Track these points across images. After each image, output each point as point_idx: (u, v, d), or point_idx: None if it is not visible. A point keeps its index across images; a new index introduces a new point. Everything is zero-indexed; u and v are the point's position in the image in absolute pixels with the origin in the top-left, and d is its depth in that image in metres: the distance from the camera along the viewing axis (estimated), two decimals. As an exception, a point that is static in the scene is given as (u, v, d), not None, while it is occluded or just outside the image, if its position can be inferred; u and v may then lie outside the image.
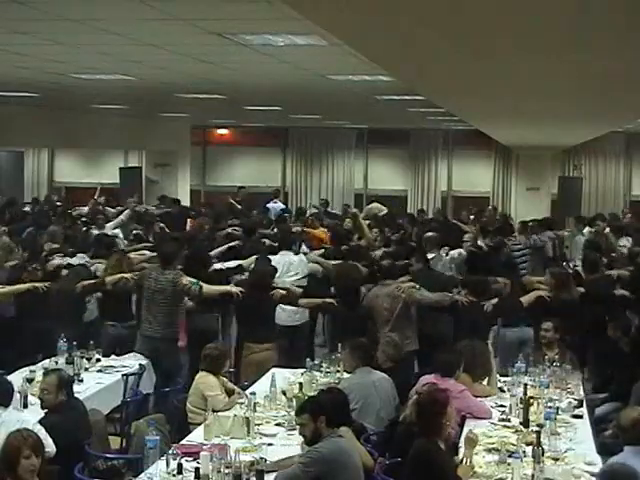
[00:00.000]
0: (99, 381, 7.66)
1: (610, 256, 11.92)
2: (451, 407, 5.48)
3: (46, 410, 6.16)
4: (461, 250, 11.58)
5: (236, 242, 11.73)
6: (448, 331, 8.58)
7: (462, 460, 5.41)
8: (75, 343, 8.05)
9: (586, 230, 14.85)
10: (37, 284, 8.83)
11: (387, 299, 8.48)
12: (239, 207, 17.25)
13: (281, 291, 8.82)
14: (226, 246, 11.39)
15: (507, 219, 16.13)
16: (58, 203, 18.91)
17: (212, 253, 10.96)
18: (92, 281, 9.12)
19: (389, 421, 6.56)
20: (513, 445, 5.80)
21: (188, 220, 15.39)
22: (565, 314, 8.30)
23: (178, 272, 8.75)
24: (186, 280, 8.55)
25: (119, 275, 9.03)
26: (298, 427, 5.54)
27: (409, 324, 8.48)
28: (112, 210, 15.60)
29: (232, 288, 8.81)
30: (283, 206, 19.53)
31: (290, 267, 10.06)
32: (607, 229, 14.35)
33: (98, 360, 8.17)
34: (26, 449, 4.81)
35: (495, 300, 8.71)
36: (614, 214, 17.15)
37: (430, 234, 11.72)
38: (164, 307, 8.59)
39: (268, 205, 18.79)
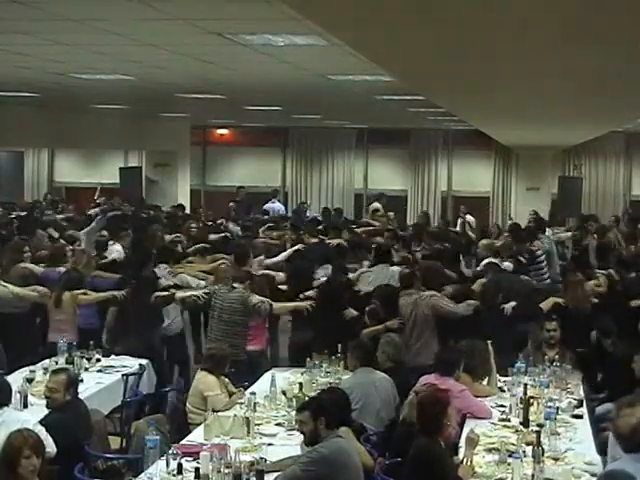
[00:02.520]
0: (99, 381, 7.66)
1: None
2: (452, 407, 5.48)
3: (49, 409, 6.16)
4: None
5: (300, 245, 11.63)
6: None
7: (463, 460, 5.40)
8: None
9: (548, 232, 14.41)
10: (116, 292, 8.83)
11: (409, 308, 8.50)
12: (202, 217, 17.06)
13: (353, 312, 8.65)
14: (291, 250, 11.29)
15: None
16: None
17: (277, 259, 10.89)
18: (165, 293, 8.94)
19: (389, 421, 6.57)
20: (513, 445, 5.80)
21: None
22: (580, 320, 8.39)
23: (246, 290, 8.50)
24: (256, 299, 8.37)
25: (189, 292, 8.92)
26: (297, 424, 5.54)
27: (430, 335, 8.45)
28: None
29: (301, 304, 8.69)
30: (282, 206, 19.56)
31: (390, 281, 9.54)
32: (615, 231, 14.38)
33: (98, 360, 8.17)
34: (26, 449, 4.81)
35: (513, 303, 8.72)
36: (616, 217, 17.12)
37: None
38: (232, 326, 8.34)
39: (266, 206, 18.78)
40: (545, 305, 8.82)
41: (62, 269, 9.87)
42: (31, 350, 8.75)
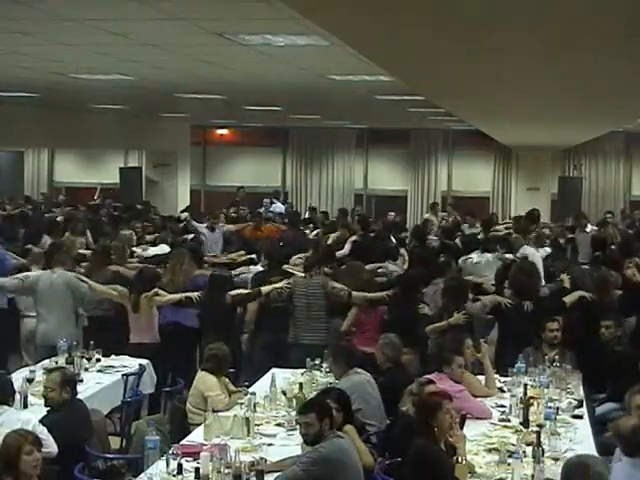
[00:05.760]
0: (99, 381, 7.65)
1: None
2: (443, 412, 5.40)
3: (48, 409, 6.16)
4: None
5: (356, 237, 12.05)
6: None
7: (458, 459, 5.36)
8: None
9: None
10: (191, 294, 8.71)
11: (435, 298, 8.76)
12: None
13: (426, 309, 8.72)
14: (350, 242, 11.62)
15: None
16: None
17: (343, 252, 11.19)
18: (245, 291, 8.97)
19: (389, 420, 6.57)
20: (513, 445, 5.78)
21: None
22: (606, 315, 8.34)
23: (325, 277, 8.95)
24: (335, 284, 8.77)
25: (272, 286, 8.99)
26: (300, 426, 5.52)
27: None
28: None
29: (379, 294, 8.87)
30: (282, 207, 19.56)
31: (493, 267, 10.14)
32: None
33: (98, 360, 8.16)
34: (27, 445, 4.82)
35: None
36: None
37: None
38: (321, 313, 8.70)
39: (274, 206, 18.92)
40: (569, 299, 8.74)
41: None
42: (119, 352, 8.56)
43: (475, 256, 10.78)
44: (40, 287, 8.72)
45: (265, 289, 8.99)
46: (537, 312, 8.46)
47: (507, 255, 11.00)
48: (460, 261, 10.71)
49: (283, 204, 20.40)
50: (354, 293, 8.81)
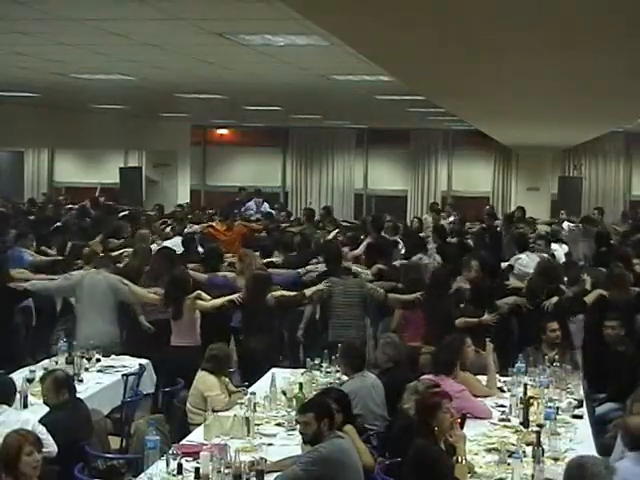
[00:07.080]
0: (99, 381, 7.65)
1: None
2: (442, 412, 5.40)
3: (49, 409, 6.17)
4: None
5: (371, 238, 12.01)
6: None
7: (457, 459, 5.36)
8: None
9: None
10: (232, 297, 8.58)
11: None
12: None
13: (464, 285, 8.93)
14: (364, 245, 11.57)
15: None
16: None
17: (358, 251, 11.23)
18: (292, 293, 8.89)
19: (388, 421, 6.57)
20: (513, 445, 5.78)
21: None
22: (625, 313, 8.33)
23: (362, 277, 9.21)
24: (372, 285, 9.01)
25: (314, 288, 9.00)
26: (299, 425, 5.53)
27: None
28: None
29: (411, 296, 8.92)
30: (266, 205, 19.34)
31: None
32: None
33: (98, 360, 8.16)
34: (27, 445, 4.81)
35: (556, 299, 8.73)
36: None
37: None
38: (357, 311, 8.84)
39: (249, 203, 18.58)
40: (590, 298, 8.73)
41: (225, 274, 9.81)
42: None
43: (524, 257, 10.81)
44: (84, 287, 8.76)
45: (308, 291, 9.02)
46: (558, 312, 8.46)
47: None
48: (512, 261, 10.89)
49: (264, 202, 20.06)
50: (390, 295, 9.00)
